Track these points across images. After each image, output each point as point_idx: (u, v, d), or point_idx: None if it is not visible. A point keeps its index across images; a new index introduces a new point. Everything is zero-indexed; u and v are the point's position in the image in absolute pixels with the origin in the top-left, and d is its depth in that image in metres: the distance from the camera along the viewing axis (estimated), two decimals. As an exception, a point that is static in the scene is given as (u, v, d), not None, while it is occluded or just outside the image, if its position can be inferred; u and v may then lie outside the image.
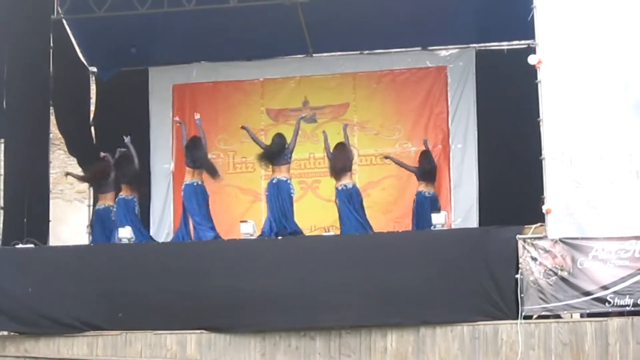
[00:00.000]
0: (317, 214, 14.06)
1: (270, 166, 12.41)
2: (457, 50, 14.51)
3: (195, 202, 12.49)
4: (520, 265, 10.61)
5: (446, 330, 10.71)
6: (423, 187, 13.30)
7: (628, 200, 10.47)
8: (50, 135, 14.12)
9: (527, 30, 11.31)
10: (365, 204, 12.78)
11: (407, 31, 14.07)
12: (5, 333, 11.83)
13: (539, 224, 10.73)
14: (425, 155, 13.50)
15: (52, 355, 11.44)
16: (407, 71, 14.66)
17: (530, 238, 10.65)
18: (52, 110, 14.05)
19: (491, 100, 14.01)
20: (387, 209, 14.27)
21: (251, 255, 11.38)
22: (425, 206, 13.07)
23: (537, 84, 10.83)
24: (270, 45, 14.56)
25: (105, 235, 12.97)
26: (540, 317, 10.69)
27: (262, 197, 13.51)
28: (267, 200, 12.29)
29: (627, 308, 10.34)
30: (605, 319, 10.45)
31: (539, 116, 10.80)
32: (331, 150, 12.79)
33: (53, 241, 13.61)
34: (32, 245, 12.18)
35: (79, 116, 14.81)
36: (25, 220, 12.89)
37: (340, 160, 12.61)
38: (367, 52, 14.77)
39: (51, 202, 14.04)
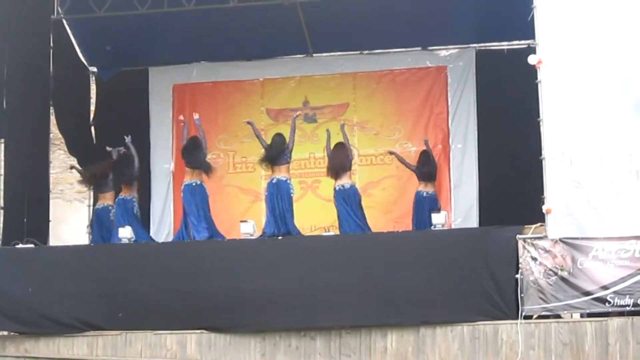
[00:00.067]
0: (317, 214, 14.04)
1: (270, 167, 12.41)
2: (457, 50, 14.49)
3: (193, 203, 12.49)
4: (520, 265, 10.61)
5: (446, 330, 10.71)
6: (423, 187, 13.31)
7: (628, 200, 10.47)
8: (50, 135, 14.11)
9: (527, 30, 11.30)
10: (365, 203, 12.78)
11: (407, 31, 14.06)
12: (5, 333, 11.83)
13: (539, 224, 10.72)
14: (426, 155, 13.51)
15: (52, 355, 11.43)
16: (407, 71, 14.63)
17: (530, 238, 10.65)
18: (52, 110, 14.04)
19: (491, 100, 13.99)
20: (387, 209, 14.26)
21: (251, 255, 11.38)
22: (425, 206, 13.08)
23: (537, 84, 10.82)
24: (270, 45, 14.55)
25: (102, 235, 12.97)
26: (540, 317, 10.69)
27: (262, 197, 13.50)
28: (267, 200, 12.27)
29: (627, 308, 10.33)
30: (605, 319, 10.45)
31: (539, 116, 10.79)
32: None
33: (53, 241, 13.59)
34: (32, 245, 12.17)
35: (79, 116, 14.81)
36: (25, 220, 12.87)
37: (338, 160, 12.60)
38: (367, 52, 14.75)
39: (51, 202, 14.03)
